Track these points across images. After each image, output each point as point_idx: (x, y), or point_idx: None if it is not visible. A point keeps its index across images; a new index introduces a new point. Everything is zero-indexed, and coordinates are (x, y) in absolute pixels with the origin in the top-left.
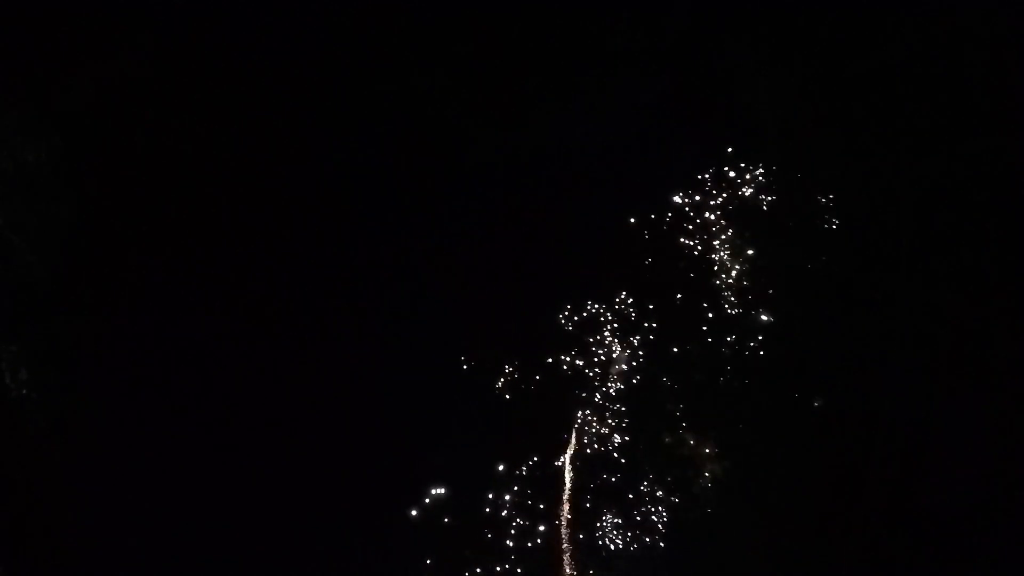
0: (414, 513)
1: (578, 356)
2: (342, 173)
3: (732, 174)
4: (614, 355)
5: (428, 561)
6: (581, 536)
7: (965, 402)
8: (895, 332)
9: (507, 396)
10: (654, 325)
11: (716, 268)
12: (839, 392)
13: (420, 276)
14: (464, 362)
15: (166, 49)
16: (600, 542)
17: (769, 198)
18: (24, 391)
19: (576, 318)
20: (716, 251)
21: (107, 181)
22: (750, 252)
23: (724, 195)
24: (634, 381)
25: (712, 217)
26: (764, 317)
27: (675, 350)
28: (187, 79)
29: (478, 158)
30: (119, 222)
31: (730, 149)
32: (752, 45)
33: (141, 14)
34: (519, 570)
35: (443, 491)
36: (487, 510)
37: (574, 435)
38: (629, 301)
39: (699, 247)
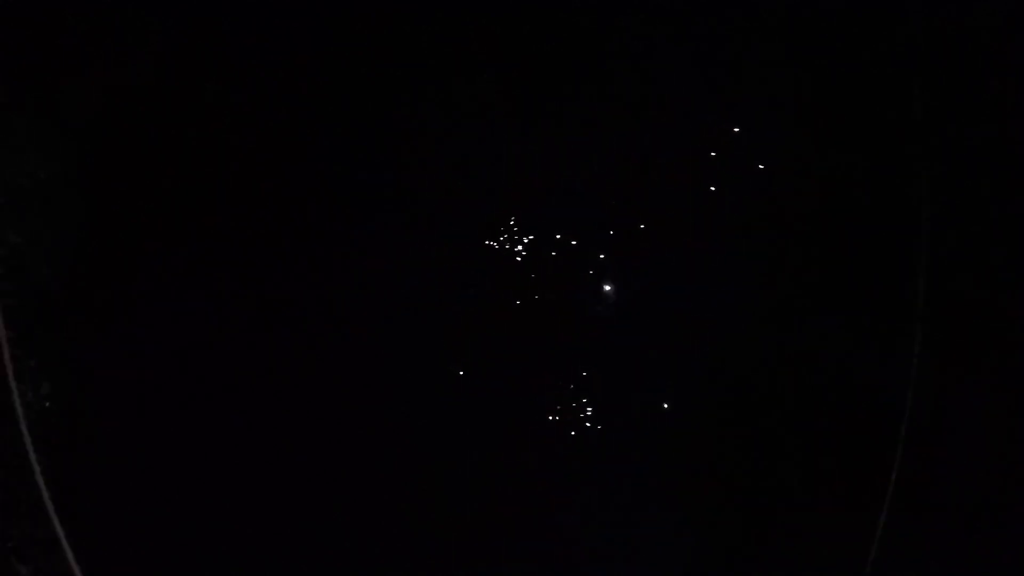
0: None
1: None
2: (354, 177)
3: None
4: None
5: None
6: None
7: (975, 394)
8: (904, 324)
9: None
10: (659, 323)
11: (722, 260)
12: (845, 383)
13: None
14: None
15: (174, 56)
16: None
17: (775, 188)
18: (47, 404)
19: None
20: (718, 245)
21: (119, 192)
22: (754, 244)
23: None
24: (636, 379)
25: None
26: (768, 310)
27: (679, 343)
28: (196, 86)
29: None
30: (133, 233)
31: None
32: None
33: (147, 21)
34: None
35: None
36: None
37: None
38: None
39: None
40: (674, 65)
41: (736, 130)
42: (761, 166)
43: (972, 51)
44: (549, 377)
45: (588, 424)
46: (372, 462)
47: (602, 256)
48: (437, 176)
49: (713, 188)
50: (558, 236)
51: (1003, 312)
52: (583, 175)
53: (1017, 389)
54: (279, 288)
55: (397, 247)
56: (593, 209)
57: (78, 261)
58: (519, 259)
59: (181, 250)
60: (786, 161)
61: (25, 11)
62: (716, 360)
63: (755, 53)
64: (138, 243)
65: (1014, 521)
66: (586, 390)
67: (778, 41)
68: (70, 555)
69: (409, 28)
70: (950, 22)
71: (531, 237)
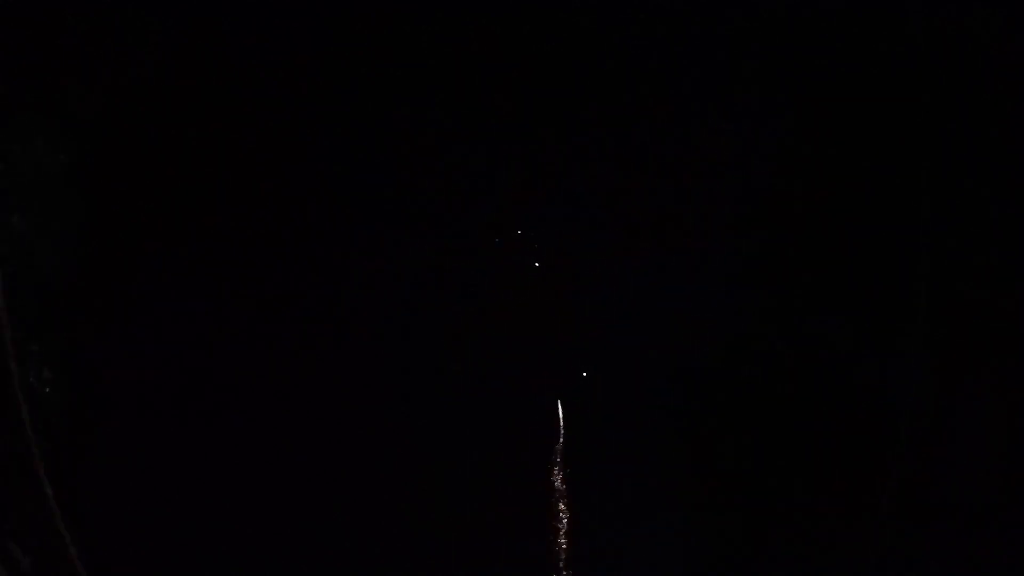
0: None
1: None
2: (359, 176)
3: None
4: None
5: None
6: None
7: (976, 394)
8: (907, 325)
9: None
10: (652, 327)
11: (722, 259)
12: (849, 383)
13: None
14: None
15: (181, 53)
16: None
17: (775, 188)
18: (47, 389)
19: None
20: (719, 245)
21: (126, 183)
22: (755, 245)
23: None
24: (637, 379)
25: (714, 207)
26: (768, 310)
27: (678, 343)
28: (203, 82)
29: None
30: (138, 223)
31: (735, 141)
32: (754, 38)
33: (155, 18)
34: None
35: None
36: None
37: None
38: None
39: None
40: (674, 65)
41: (737, 130)
42: (762, 167)
43: (972, 51)
44: (551, 377)
45: (590, 424)
46: (372, 462)
47: (604, 256)
48: (438, 176)
49: (714, 188)
50: (559, 236)
51: (1004, 312)
52: (584, 174)
53: (1018, 389)
54: (281, 285)
55: (398, 247)
56: (593, 209)
57: (83, 248)
58: (521, 259)
59: (185, 242)
60: (787, 161)
61: (30, 6)
62: (717, 361)
63: (755, 53)
64: (143, 233)
65: (1015, 521)
66: (589, 390)
67: (778, 41)
68: (71, 543)
69: (410, 28)
70: (950, 22)
71: (533, 237)
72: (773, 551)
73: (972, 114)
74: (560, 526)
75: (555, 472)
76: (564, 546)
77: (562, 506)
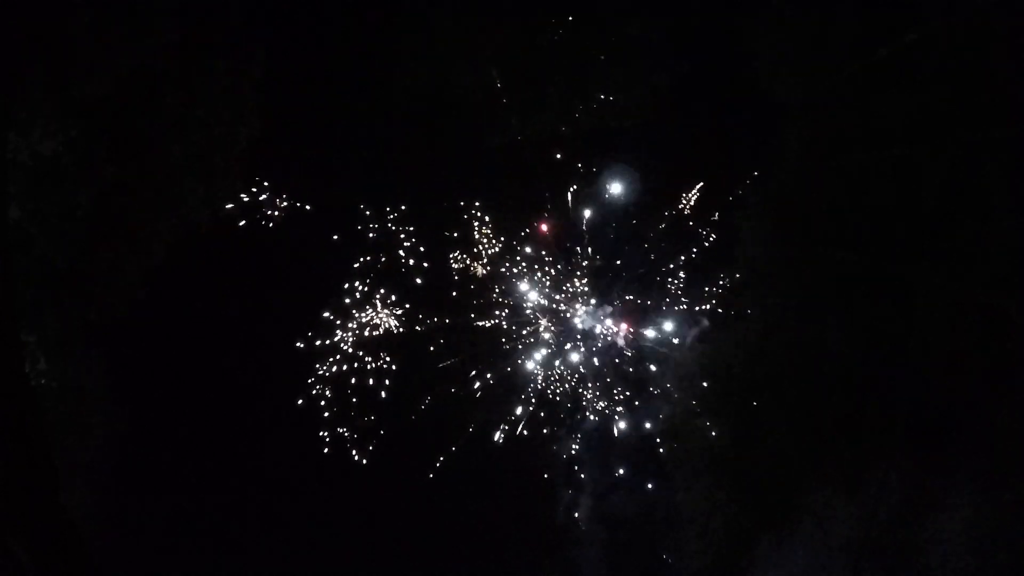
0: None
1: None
2: (363, 164)
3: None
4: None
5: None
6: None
7: (977, 393)
8: (916, 322)
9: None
10: (672, 313)
11: (738, 257)
12: (861, 384)
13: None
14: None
15: (183, 41)
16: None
17: (788, 184)
18: (43, 380)
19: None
20: (737, 240)
21: (123, 172)
22: (771, 241)
23: (744, 180)
24: (644, 380)
25: (730, 202)
26: (784, 307)
27: (695, 337)
28: (204, 71)
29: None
30: (135, 213)
31: (750, 134)
32: (775, 28)
33: (158, 6)
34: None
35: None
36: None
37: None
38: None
39: (716, 235)
40: (680, 66)
41: (743, 129)
42: (767, 167)
43: (980, 51)
44: (560, 377)
45: (594, 422)
46: (376, 461)
47: (611, 254)
48: (441, 176)
49: (722, 188)
50: (566, 236)
51: (1004, 312)
52: (592, 171)
53: (1019, 389)
54: (282, 279)
55: (400, 246)
56: (600, 205)
57: (80, 240)
58: (527, 260)
59: (183, 235)
60: (792, 162)
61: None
62: (723, 359)
63: (762, 55)
64: (140, 224)
65: (1015, 520)
66: (593, 388)
67: (786, 42)
68: (71, 538)
69: (410, 26)
70: (961, 23)
71: (536, 239)
72: (775, 547)
73: (972, 115)
74: (568, 521)
75: (560, 469)
76: (570, 541)
77: (571, 500)
